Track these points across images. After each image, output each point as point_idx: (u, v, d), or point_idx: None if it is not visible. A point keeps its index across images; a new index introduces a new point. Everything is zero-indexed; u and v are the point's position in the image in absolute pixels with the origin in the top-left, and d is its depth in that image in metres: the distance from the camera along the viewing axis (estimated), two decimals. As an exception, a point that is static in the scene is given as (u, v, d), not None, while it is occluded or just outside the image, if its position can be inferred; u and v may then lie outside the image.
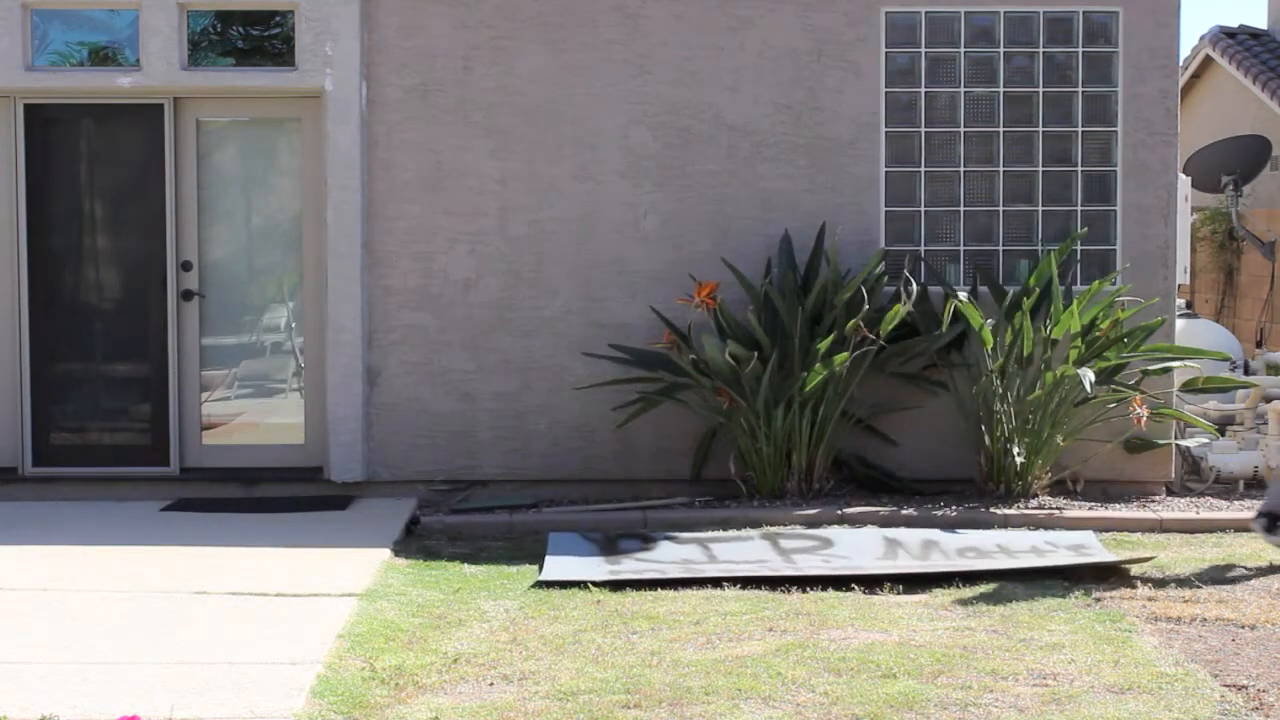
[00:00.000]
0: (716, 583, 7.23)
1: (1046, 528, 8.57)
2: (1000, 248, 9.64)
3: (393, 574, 7.47)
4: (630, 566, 7.58)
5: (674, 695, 5.47)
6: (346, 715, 5.30)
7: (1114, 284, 9.42)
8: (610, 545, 8.07)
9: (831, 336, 8.87)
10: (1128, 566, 7.56)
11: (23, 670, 5.65)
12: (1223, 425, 10.46)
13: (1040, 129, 9.61)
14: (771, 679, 5.65)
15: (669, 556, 7.78)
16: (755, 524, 8.60)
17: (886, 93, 9.54)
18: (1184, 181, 10.91)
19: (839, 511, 8.75)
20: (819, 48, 9.48)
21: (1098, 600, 6.92)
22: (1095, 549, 7.90)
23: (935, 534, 8.25)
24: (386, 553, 7.89)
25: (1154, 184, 9.58)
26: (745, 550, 7.90)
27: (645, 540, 8.17)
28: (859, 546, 7.94)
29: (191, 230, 9.59)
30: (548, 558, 7.76)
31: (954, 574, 7.29)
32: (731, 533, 8.37)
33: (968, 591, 7.06)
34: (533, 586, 7.25)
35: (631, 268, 9.48)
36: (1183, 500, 9.38)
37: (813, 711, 5.31)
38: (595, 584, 7.22)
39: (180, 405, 9.56)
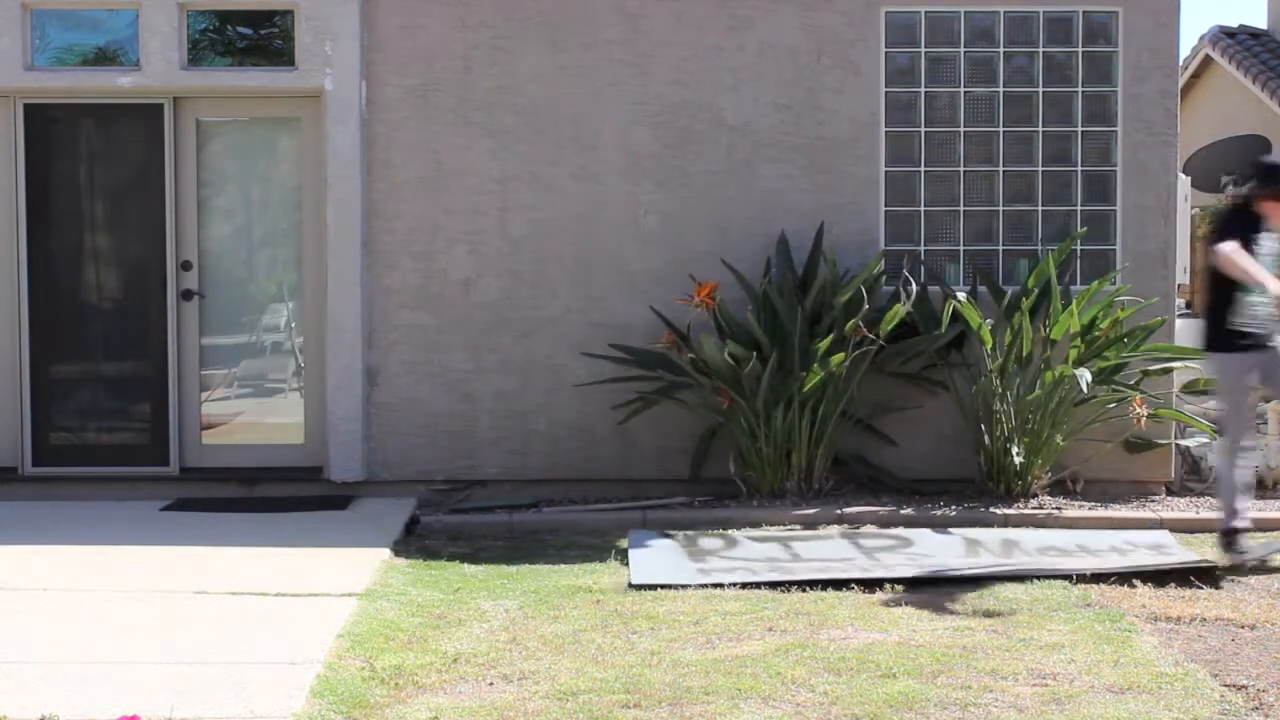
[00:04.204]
0: (804, 585, 7.18)
1: (1046, 528, 8.58)
2: (1000, 248, 9.64)
3: (392, 574, 7.47)
4: (719, 566, 7.56)
5: (674, 695, 5.47)
6: (346, 715, 5.30)
7: (1114, 284, 9.42)
8: (691, 543, 8.07)
9: (831, 336, 8.87)
10: (1212, 566, 7.54)
11: (23, 670, 5.64)
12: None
13: (1040, 129, 9.61)
14: (771, 679, 5.65)
15: (754, 555, 7.78)
16: (755, 524, 8.60)
17: (886, 93, 9.54)
18: (1184, 181, 10.91)
19: (838, 511, 8.76)
20: (819, 48, 9.48)
21: (1097, 600, 6.92)
22: (1174, 549, 7.92)
23: (1016, 534, 8.29)
24: (386, 552, 7.89)
25: (1154, 184, 9.58)
26: (829, 549, 7.91)
27: (727, 540, 8.17)
28: (942, 546, 7.99)
29: (191, 230, 9.59)
30: (631, 555, 7.79)
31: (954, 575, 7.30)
32: (810, 532, 8.38)
33: (968, 591, 7.06)
34: (628, 588, 7.19)
35: (631, 268, 9.48)
36: (1182, 500, 9.38)
37: (812, 711, 5.31)
38: (689, 587, 7.14)
39: (180, 405, 9.57)
